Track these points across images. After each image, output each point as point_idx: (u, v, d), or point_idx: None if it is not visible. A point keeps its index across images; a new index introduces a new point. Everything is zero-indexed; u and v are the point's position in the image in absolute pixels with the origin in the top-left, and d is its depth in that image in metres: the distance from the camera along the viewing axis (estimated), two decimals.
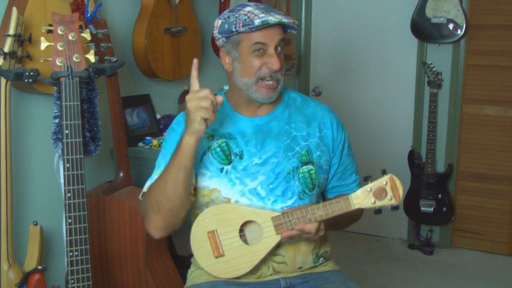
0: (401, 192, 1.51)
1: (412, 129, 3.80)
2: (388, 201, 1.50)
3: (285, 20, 1.56)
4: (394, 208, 1.52)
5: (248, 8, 1.58)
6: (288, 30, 1.63)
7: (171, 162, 1.52)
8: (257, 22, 1.53)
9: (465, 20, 3.43)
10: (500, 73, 3.53)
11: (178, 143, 1.51)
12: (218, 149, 1.63)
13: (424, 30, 3.53)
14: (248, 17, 1.55)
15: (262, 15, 1.55)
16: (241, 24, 1.55)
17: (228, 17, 1.59)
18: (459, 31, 3.45)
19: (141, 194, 1.65)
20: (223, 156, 1.62)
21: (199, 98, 1.43)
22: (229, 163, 1.62)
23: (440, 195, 3.62)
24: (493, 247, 3.68)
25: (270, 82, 1.59)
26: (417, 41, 3.66)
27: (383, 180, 1.51)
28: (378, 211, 1.54)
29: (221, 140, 1.64)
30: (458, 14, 3.43)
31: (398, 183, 1.51)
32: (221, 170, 1.62)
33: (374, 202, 1.51)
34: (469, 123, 3.65)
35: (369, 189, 1.51)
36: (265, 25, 1.55)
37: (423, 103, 3.71)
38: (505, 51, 3.50)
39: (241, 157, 1.62)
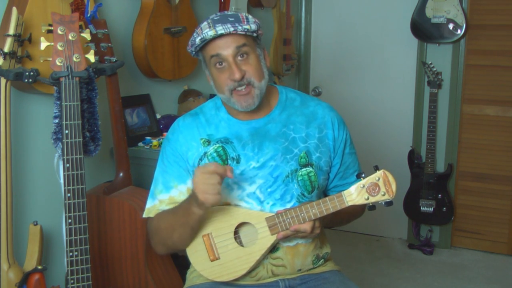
0: (394, 187, 1.48)
1: (412, 129, 3.80)
2: (382, 196, 1.48)
3: (222, 31, 1.49)
4: (388, 203, 1.51)
5: (201, 24, 1.55)
6: (248, 34, 1.53)
7: (178, 219, 1.54)
8: (197, 40, 1.53)
9: (465, 20, 3.43)
10: (500, 73, 3.53)
11: (185, 205, 1.51)
12: (215, 154, 1.61)
13: (424, 30, 3.53)
14: (196, 34, 1.54)
15: (206, 30, 1.51)
16: (189, 44, 1.57)
17: (193, 35, 1.58)
18: (459, 31, 3.45)
19: (145, 213, 1.68)
20: (220, 162, 1.60)
21: (206, 176, 1.40)
22: None
23: (440, 195, 3.61)
24: (493, 247, 3.68)
25: (243, 88, 1.55)
26: (417, 41, 3.66)
27: (376, 176, 1.49)
28: (372, 207, 1.52)
29: (217, 145, 1.62)
30: (458, 14, 3.43)
31: (391, 178, 1.49)
32: None
33: (368, 198, 1.49)
34: (469, 123, 3.65)
35: (362, 186, 1.49)
36: (204, 42, 1.53)
37: (423, 103, 3.72)
38: (505, 51, 3.50)
39: (238, 162, 1.60)
